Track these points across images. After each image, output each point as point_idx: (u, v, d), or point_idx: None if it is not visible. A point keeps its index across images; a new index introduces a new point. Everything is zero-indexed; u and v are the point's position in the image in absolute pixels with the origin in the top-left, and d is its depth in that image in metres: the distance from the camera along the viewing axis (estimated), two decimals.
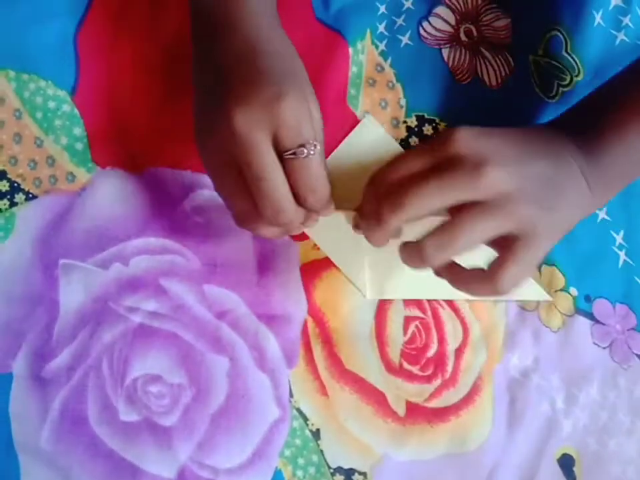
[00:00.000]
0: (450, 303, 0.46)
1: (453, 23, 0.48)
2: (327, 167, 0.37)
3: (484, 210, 0.34)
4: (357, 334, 0.45)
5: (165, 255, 0.45)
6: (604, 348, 0.47)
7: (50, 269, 0.44)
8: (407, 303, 0.46)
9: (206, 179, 0.45)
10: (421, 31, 0.48)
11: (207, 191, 0.45)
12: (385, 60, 0.47)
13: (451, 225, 0.35)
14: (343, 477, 0.44)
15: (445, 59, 0.47)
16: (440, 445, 0.45)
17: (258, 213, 0.36)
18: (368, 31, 0.47)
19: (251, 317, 0.44)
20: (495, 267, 0.35)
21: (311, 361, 0.44)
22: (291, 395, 0.44)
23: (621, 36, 0.46)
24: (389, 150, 0.46)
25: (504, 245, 0.36)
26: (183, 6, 0.45)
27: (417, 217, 0.36)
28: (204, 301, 0.44)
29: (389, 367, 0.45)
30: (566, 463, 0.45)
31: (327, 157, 0.45)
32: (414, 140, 0.47)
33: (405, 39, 0.47)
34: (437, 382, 0.45)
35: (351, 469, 0.44)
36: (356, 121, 0.46)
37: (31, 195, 0.45)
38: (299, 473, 0.43)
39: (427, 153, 0.37)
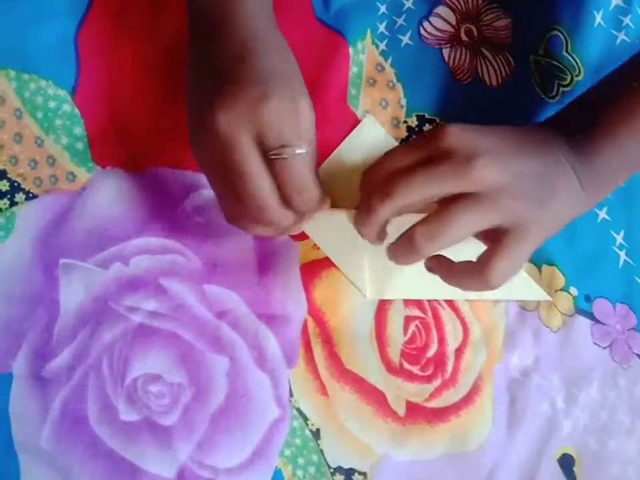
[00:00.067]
0: (450, 302, 0.46)
1: (454, 22, 0.48)
2: (314, 169, 0.37)
3: (473, 201, 0.35)
4: (357, 334, 0.45)
5: (166, 254, 0.45)
6: (604, 348, 0.47)
7: (50, 268, 0.44)
8: (407, 302, 0.46)
9: (206, 179, 0.45)
10: (422, 31, 0.48)
11: (207, 191, 0.45)
12: (386, 60, 0.47)
13: (440, 214, 0.35)
14: (343, 477, 0.44)
15: (446, 58, 0.47)
16: (440, 445, 0.45)
17: (245, 212, 0.37)
18: (368, 30, 0.47)
19: (251, 316, 0.44)
20: (485, 260, 0.36)
21: (311, 360, 0.44)
22: (291, 395, 0.44)
23: (622, 36, 0.46)
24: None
25: (493, 238, 0.36)
26: (184, 6, 0.45)
27: (406, 208, 0.36)
28: (204, 300, 0.44)
29: (389, 367, 0.45)
30: (566, 462, 0.45)
31: (327, 157, 0.46)
32: None
33: (405, 39, 0.47)
34: (437, 382, 0.45)
35: (351, 469, 0.44)
36: (356, 121, 0.46)
37: (31, 195, 0.45)
38: (299, 473, 0.43)
39: (418, 147, 0.37)
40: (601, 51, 0.46)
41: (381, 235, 0.39)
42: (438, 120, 0.47)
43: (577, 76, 0.46)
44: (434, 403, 0.45)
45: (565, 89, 0.46)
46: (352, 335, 0.45)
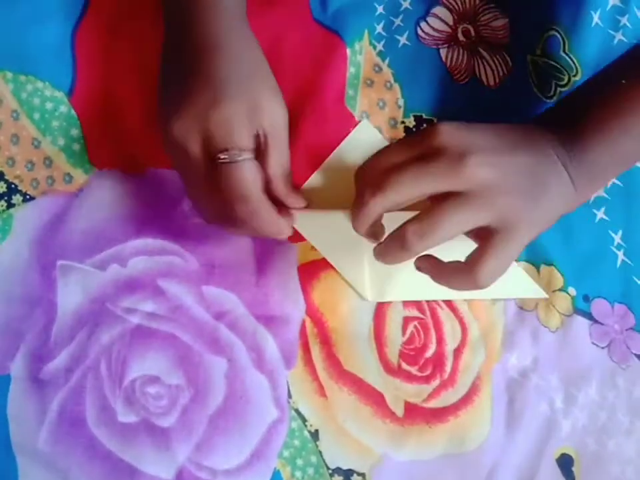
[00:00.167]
0: (448, 302, 0.46)
1: (451, 23, 0.48)
2: (282, 172, 0.39)
3: (465, 200, 0.35)
4: (356, 334, 0.45)
5: (163, 255, 0.44)
6: (602, 348, 0.47)
7: (48, 270, 0.44)
8: (406, 303, 0.46)
9: None
10: (419, 31, 0.48)
11: None
12: (383, 60, 0.47)
13: (431, 212, 0.35)
14: (341, 478, 0.44)
15: (443, 59, 0.47)
16: (439, 445, 0.44)
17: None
18: (366, 31, 0.47)
19: (249, 317, 0.44)
20: (475, 259, 0.36)
21: (309, 361, 0.44)
22: (290, 396, 0.44)
23: (619, 36, 0.46)
24: None
25: (483, 236, 0.36)
26: None
27: (398, 203, 0.36)
28: (202, 301, 0.44)
29: (388, 368, 0.45)
30: (565, 463, 0.45)
31: (326, 157, 0.46)
32: None
33: (402, 39, 0.47)
34: (436, 382, 0.45)
35: (350, 470, 0.44)
36: (354, 122, 0.46)
37: (28, 196, 0.45)
38: (298, 474, 0.43)
39: (411, 144, 0.37)
40: (598, 51, 0.45)
41: (375, 232, 0.39)
42: (435, 120, 0.47)
43: (574, 76, 0.46)
44: (432, 404, 0.45)
45: (563, 89, 0.46)
46: (350, 336, 0.45)
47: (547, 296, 0.46)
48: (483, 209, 0.35)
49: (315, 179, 0.45)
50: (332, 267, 0.45)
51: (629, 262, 0.47)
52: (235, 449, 0.43)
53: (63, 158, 0.45)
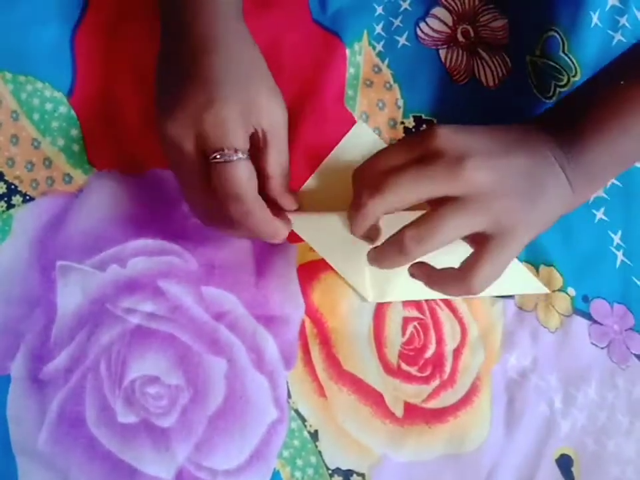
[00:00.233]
0: (448, 303, 0.46)
1: (450, 23, 0.48)
2: (281, 172, 0.40)
3: (463, 204, 0.35)
4: (355, 335, 0.45)
5: (163, 256, 0.44)
6: (602, 348, 0.47)
7: (47, 270, 0.44)
8: (406, 303, 0.46)
9: None
10: (418, 32, 0.48)
11: None
12: (382, 61, 0.47)
13: (430, 218, 0.35)
14: (341, 478, 0.44)
15: (443, 59, 0.47)
16: (438, 445, 0.44)
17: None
18: (365, 32, 0.47)
19: (249, 318, 0.44)
20: (470, 265, 0.36)
21: (309, 362, 0.44)
22: (289, 396, 0.44)
23: (618, 36, 0.46)
24: None
25: (479, 241, 0.36)
26: None
27: (396, 206, 0.36)
28: (202, 302, 0.44)
29: (387, 368, 0.45)
30: (564, 463, 0.45)
31: (325, 158, 0.46)
32: None
33: (402, 40, 0.47)
34: (435, 383, 0.45)
35: (349, 470, 0.44)
36: (353, 122, 0.46)
37: (28, 197, 0.45)
38: (297, 474, 0.43)
39: (409, 147, 0.37)
40: (597, 51, 0.46)
41: (372, 233, 0.39)
42: (435, 121, 0.47)
43: (573, 76, 0.46)
44: (432, 404, 0.45)
45: (562, 90, 0.46)
46: (350, 336, 0.45)
47: (548, 291, 0.46)
48: (480, 213, 0.35)
49: (312, 182, 0.45)
50: (331, 267, 0.45)
51: (629, 262, 0.47)
52: (235, 449, 0.43)
53: (62, 158, 0.45)
